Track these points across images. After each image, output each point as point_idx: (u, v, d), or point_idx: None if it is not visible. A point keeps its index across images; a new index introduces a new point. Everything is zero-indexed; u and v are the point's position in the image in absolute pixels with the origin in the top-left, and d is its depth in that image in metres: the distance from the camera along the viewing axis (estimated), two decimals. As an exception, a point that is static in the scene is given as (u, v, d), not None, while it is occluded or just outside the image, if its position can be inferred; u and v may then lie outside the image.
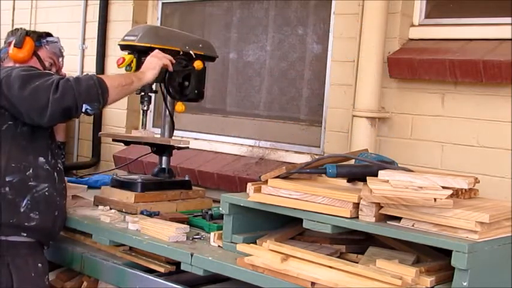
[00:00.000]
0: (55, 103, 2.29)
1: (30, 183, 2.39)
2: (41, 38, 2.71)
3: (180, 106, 2.94)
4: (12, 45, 2.64)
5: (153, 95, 2.89)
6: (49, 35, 2.77)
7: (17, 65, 2.59)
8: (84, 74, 2.50)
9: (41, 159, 2.45)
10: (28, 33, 2.67)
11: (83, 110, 2.34)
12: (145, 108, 2.85)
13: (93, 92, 2.34)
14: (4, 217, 2.32)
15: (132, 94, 3.76)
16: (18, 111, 2.36)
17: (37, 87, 2.31)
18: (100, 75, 2.45)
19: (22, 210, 2.35)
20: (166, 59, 2.67)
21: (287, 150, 3.52)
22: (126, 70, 2.76)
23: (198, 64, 2.87)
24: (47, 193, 2.42)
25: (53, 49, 2.73)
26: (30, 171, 2.40)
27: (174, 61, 2.73)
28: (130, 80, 2.51)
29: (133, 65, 2.74)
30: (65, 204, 2.58)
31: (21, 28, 2.76)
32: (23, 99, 2.33)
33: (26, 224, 2.36)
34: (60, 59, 2.79)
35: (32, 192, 2.38)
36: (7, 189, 2.34)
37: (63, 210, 2.55)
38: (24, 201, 2.36)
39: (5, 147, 2.37)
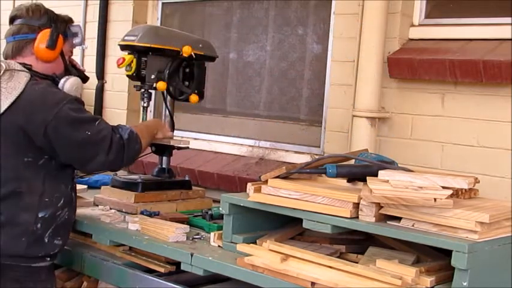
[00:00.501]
0: (105, 164, 2.30)
1: (57, 213, 2.33)
2: (66, 30, 2.47)
3: (194, 97, 2.93)
4: (41, 44, 2.36)
5: (153, 91, 2.89)
6: (71, 21, 2.54)
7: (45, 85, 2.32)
8: (126, 128, 2.38)
9: (68, 186, 2.39)
10: (57, 29, 2.41)
11: None
12: (145, 104, 2.86)
13: (136, 156, 2.43)
14: (33, 252, 2.28)
15: (132, 93, 3.76)
16: (56, 153, 2.28)
17: (88, 139, 2.25)
18: (140, 136, 2.40)
19: (46, 240, 2.30)
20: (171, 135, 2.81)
21: (287, 150, 3.52)
22: (126, 70, 2.76)
23: (186, 50, 2.83)
24: (66, 217, 2.37)
25: (74, 40, 2.53)
26: (61, 202, 2.34)
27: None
28: (150, 140, 2.61)
29: (134, 65, 2.74)
30: None
31: (42, 8, 2.44)
32: (69, 149, 2.26)
33: (51, 252, 2.33)
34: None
35: (56, 221, 2.32)
36: (39, 225, 2.27)
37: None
38: (48, 231, 2.30)
39: (39, 182, 2.28)
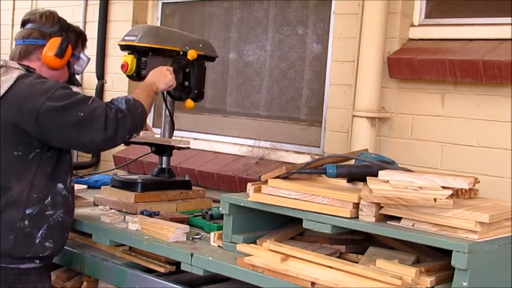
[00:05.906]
0: (105, 141, 2.23)
1: (47, 212, 2.27)
2: (78, 50, 2.53)
3: (189, 103, 2.92)
4: (49, 51, 2.37)
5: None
6: (84, 35, 2.60)
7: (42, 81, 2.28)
8: (121, 98, 2.32)
9: (60, 185, 2.32)
10: (67, 39, 2.43)
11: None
12: None
13: (143, 118, 2.36)
14: (20, 251, 2.22)
15: (132, 93, 3.71)
16: (50, 142, 2.25)
17: (82, 120, 2.18)
18: (138, 100, 2.34)
19: (37, 241, 2.25)
20: (173, 82, 2.65)
21: (287, 150, 3.52)
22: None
23: (192, 54, 2.83)
24: (60, 219, 2.32)
25: (76, 64, 2.56)
26: (49, 199, 2.28)
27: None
28: (152, 98, 2.49)
29: (133, 65, 2.74)
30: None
31: (56, 16, 2.46)
32: (64, 132, 2.20)
33: (40, 254, 2.28)
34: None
35: (48, 222, 2.27)
36: (26, 222, 2.22)
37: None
38: (40, 232, 2.25)
39: (29, 177, 2.24)
